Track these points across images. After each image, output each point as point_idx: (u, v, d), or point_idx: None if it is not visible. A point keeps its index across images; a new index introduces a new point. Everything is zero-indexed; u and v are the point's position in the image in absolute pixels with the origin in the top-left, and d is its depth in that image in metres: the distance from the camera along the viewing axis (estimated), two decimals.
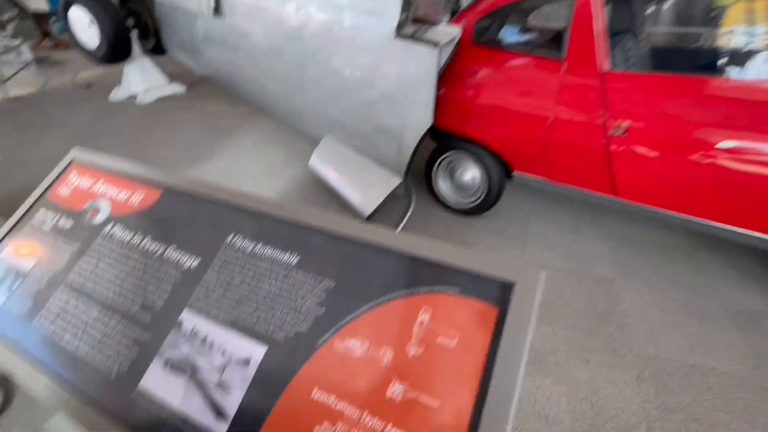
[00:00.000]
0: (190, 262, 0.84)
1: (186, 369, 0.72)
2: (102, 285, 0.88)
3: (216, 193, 0.92)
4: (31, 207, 1.08)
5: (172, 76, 4.87)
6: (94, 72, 5.70)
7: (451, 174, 2.69)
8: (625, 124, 1.82)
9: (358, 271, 0.73)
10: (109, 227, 0.96)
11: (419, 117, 2.23)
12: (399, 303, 0.67)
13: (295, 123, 3.27)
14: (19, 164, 3.59)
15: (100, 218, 0.99)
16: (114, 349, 0.78)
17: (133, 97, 4.68)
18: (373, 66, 2.26)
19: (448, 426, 0.56)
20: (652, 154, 1.81)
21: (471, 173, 2.56)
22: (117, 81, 4.73)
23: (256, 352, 0.69)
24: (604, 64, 1.89)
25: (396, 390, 0.60)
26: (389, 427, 0.58)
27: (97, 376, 0.76)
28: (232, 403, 0.66)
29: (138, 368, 0.75)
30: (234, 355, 0.70)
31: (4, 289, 0.94)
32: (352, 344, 0.66)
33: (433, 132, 2.83)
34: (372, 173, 2.63)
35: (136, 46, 4.17)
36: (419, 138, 2.28)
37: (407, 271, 0.70)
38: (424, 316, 0.65)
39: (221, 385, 0.68)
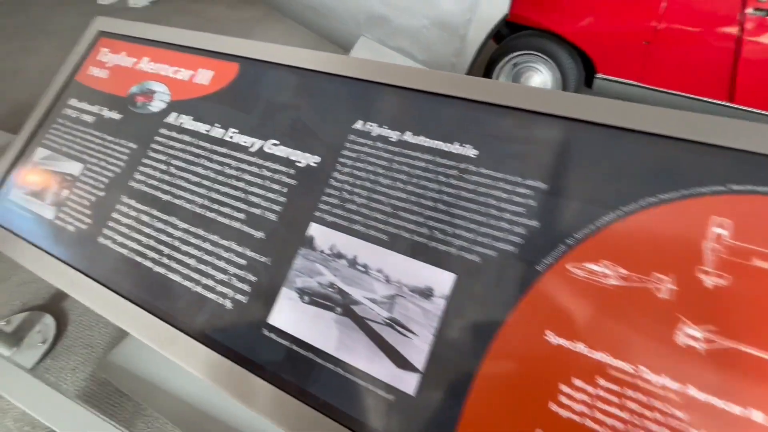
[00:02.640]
0: (307, 158, 0.60)
1: (334, 301, 0.52)
2: (180, 191, 0.65)
3: (326, 62, 0.65)
4: (60, 94, 0.81)
5: None
6: None
7: (514, 81, 2.32)
8: None
9: (586, 165, 0.49)
10: (173, 116, 0.71)
11: (493, 2, 1.82)
12: (667, 209, 0.44)
13: (319, 22, 2.79)
14: (11, 76, 3.20)
15: (157, 104, 0.73)
16: (220, 275, 0.58)
17: (123, 0, 4.08)
18: None
19: None
20: None
21: (540, 78, 2.20)
22: None
23: (440, 279, 0.48)
24: None
25: (692, 335, 0.40)
26: (691, 389, 0.38)
27: (204, 307, 0.57)
28: (416, 348, 0.47)
29: (261, 300, 0.55)
30: (404, 282, 0.50)
31: (50, 200, 0.72)
32: (596, 269, 0.44)
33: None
34: None
35: None
36: (489, 32, 1.89)
37: (676, 160, 0.46)
38: (719, 228, 0.42)
39: (393, 324, 0.48)
